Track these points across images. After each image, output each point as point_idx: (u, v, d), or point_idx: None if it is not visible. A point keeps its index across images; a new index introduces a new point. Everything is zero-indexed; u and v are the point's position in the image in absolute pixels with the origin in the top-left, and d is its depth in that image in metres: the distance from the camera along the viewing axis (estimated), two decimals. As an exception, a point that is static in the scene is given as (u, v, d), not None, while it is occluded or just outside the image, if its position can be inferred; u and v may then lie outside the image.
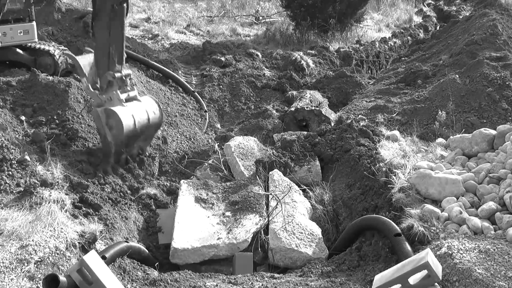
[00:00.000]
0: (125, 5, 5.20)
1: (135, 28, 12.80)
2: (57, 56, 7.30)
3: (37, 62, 7.20)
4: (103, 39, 5.26)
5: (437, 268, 3.43)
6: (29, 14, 7.17)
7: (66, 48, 7.88)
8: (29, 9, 7.14)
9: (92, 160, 5.42)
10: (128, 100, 5.44)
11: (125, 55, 5.48)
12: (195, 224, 4.95)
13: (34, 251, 3.62)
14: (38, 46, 7.32)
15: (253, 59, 10.42)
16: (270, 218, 5.01)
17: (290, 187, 5.50)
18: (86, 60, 5.59)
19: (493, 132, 5.23)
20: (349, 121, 6.61)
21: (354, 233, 4.63)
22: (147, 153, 5.89)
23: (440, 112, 6.62)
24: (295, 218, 5.00)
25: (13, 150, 4.73)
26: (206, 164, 6.39)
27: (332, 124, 7.14)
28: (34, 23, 7.19)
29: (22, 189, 4.39)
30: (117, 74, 5.32)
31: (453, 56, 8.36)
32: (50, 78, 6.42)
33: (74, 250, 3.88)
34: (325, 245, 4.84)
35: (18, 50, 7.18)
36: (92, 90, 5.42)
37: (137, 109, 5.43)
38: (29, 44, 7.28)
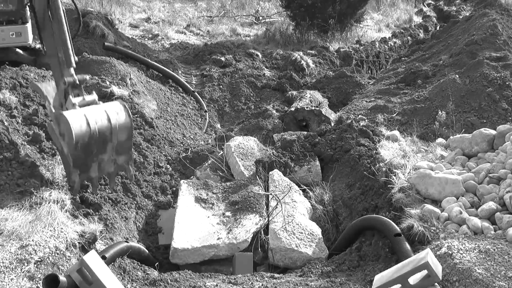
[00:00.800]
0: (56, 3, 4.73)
1: (135, 28, 12.81)
2: None
3: (37, 62, 7.19)
4: (51, 47, 4.74)
5: (437, 268, 3.43)
6: (23, 16, 7.09)
7: None
8: (22, 11, 7.07)
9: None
10: (84, 105, 4.62)
11: (74, 58, 4.76)
12: (195, 224, 4.95)
13: (34, 251, 3.62)
14: (38, 46, 7.30)
15: (253, 59, 10.42)
16: (270, 218, 5.01)
17: (290, 187, 5.50)
18: (49, 85, 4.95)
19: (493, 132, 5.23)
20: (349, 121, 6.61)
21: (354, 233, 4.63)
22: (131, 173, 4.98)
23: (440, 112, 6.62)
24: (295, 218, 5.01)
25: (13, 150, 4.73)
26: (206, 164, 6.39)
27: (332, 124, 7.14)
28: (28, 25, 7.13)
29: (22, 189, 4.39)
30: (68, 79, 4.60)
31: (453, 56, 8.36)
32: None
33: (74, 250, 3.88)
34: (325, 245, 4.84)
35: (18, 50, 7.16)
36: (54, 111, 4.69)
37: (92, 110, 4.54)
38: (29, 45, 7.27)
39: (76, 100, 4.56)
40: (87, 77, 4.91)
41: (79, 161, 4.44)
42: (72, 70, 4.67)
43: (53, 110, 4.65)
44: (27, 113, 5.67)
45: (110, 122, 4.54)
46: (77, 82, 4.64)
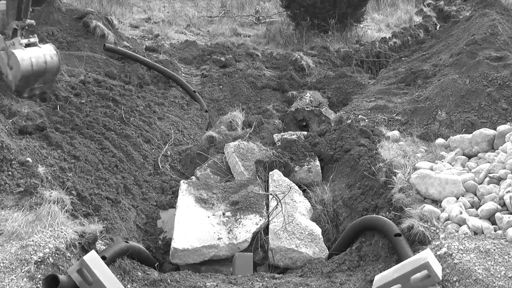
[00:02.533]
0: None
1: (135, 28, 12.81)
2: None
3: None
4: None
5: (437, 268, 3.43)
6: None
7: None
8: None
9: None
10: (29, 45, 6.20)
11: (30, 9, 6.38)
12: (195, 224, 4.95)
13: (34, 251, 3.62)
14: None
15: (253, 59, 10.42)
16: (270, 218, 5.01)
17: (290, 187, 5.50)
18: None
19: (493, 132, 5.23)
20: (349, 121, 6.61)
21: (354, 233, 4.63)
22: (51, 95, 6.57)
23: (440, 112, 6.62)
24: (295, 218, 5.01)
25: (13, 151, 4.73)
26: (206, 164, 6.39)
27: (332, 124, 7.14)
28: None
29: (22, 189, 4.39)
30: (21, 23, 6.15)
31: (453, 56, 8.36)
32: None
33: (74, 250, 3.88)
34: (325, 245, 4.84)
35: None
36: (8, 48, 6.07)
37: (35, 53, 6.19)
38: None
39: (23, 41, 6.14)
40: (34, 22, 6.47)
41: (18, 87, 6.08)
42: (25, 19, 6.20)
43: (5, 44, 6.07)
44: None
45: (46, 64, 6.22)
46: (27, 26, 6.23)
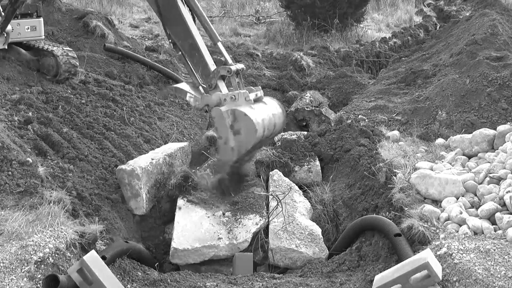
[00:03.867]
0: None
1: (135, 28, 12.81)
2: (60, 57, 7.04)
3: (40, 63, 7.08)
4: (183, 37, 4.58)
5: (437, 268, 3.43)
6: (37, 9, 7.00)
7: (70, 49, 7.58)
8: (37, 4, 6.99)
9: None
10: (256, 100, 4.17)
11: (220, 39, 4.65)
12: (195, 224, 4.95)
13: (34, 251, 3.62)
14: (42, 46, 7.14)
15: (253, 59, 10.43)
16: (270, 218, 5.01)
17: (290, 187, 5.50)
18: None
19: (493, 132, 5.24)
20: (349, 121, 6.60)
21: (354, 233, 4.63)
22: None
23: (440, 112, 6.62)
24: (295, 218, 5.00)
25: (13, 151, 4.73)
26: (206, 164, 6.38)
27: (332, 124, 7.14)
28: (41, 19, 7.02)
29: (22, 189, 4.39)
30: (232, 67, 4.39)
31: (453, 56, 8.36)
32: None
33: (74, 250, 3.88)
34: (325, 245, 4.84)
35: (21, 49, 7.04)
36: (201, 94, 4.54)
37: (265, 113, 4.12)
38: (33, 44, 7.13)
39: (252, 96, 4.11)
40: (243, 66, 4.48)
41: (241, 159, 4.16)
42: (229, 58, 4.49)
43: (195, 93, 4.87)
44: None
45: (274, 128, 4.22)
46: (239, 71, 4.36)
